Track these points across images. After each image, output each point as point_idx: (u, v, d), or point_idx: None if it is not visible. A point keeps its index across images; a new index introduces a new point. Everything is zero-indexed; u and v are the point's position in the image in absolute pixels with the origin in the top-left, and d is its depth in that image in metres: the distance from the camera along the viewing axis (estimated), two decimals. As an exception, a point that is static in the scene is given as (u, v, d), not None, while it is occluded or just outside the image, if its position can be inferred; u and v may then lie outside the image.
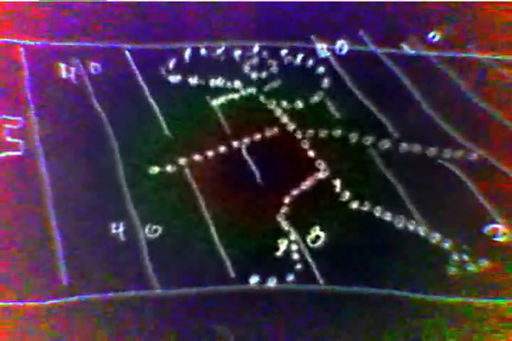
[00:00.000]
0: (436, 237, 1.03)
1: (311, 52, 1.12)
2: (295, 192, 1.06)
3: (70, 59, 1.11)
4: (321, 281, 1.03)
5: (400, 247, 1.04)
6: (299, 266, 1.03)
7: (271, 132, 1.10)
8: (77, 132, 1.09)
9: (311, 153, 1.08)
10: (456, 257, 1.02)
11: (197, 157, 1.08)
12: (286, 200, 1.06)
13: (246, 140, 1.09)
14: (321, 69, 1.12)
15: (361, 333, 1.01)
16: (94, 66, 1.11)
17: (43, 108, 1.09)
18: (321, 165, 1.08)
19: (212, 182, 1.07)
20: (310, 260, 1.03)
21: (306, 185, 1.07)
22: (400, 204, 1.05)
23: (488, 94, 1.09)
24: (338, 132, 1.09)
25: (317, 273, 1.03)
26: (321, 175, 1.08)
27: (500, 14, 1.13)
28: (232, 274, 1.03)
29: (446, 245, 1.03)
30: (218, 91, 1.11)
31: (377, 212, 1.05)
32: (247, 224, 1.05)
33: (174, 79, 1.12)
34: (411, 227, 1.04)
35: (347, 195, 1.06)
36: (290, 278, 1.03)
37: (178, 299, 1.02)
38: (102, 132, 1.09)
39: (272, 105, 1.11)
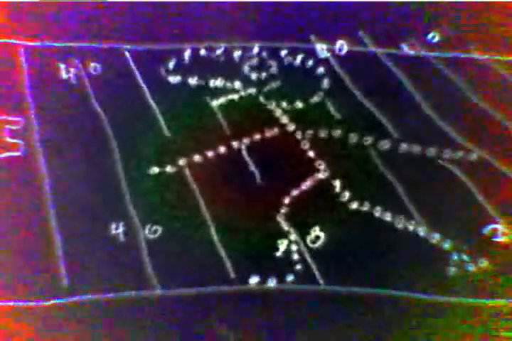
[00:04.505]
0: (436, 237, 1.04)
1: (311, 53, 1.12)
2: (295, 193, 1.06)
3: (69, 59, 1.11)
4: (321, 281, 1.03)
5: (400, 247, 1.04)
6: (298, 267, 1.03)
7: (271, 132, 1.10)
8: (77, 132, 1.09)
9: (311, 154, 1.08)
10: (455, 257, 1.02)
11: (197, 157, 1.08)
12: (286, 201, 1.06)
13: (246, 140, 1.09)
14: (321, 70, 1.12)
15: (361, 333, 1.01)
16: (94, 66, 1.11)
17: (43, 108, 1.09)
18: (321, 165, 1.08)
19: (212, 183, 1.07)
20: (310, 260, 1.04)
21: (306, 185, 1.07)
22: (400, 205, 1.05)
23: (488, 94, 1.09)
24: (338, 132, 1.09)
25: (317, 274, 1.03)
26: (320, 176, 1.08)
27: (500, 14, 1.13)
28: (232, 274, 1.03)
29: (446, 245, 1.03)
30: (218, 92, 1.11)
31: (377, 212, 1.05)
32: (247, 225, 1.05)
33: (174, 79, 1.12)
34: (411, 227, 1.04)
35: (347, 195, 1.06)
36: (290, 278, 1.03)
37: (178, 299, 1.02)
38: (102, 132, 1.09)
39: (272, 105, 1.11)
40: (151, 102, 1.10)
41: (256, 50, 1.12)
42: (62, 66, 1.11)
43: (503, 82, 1.10)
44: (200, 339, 1.02)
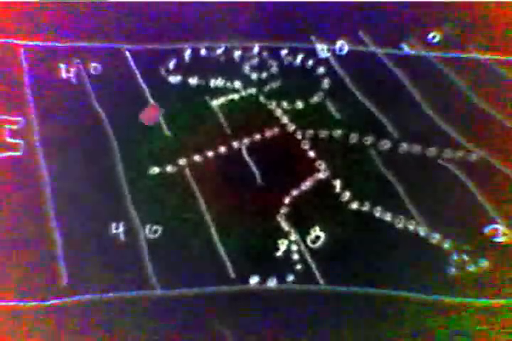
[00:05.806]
0: (436, 237, 1.04)
1: (311, 53, 1.12)
2: (295, 193, 1.06)
3: (70, 59, 1.11)
4: (321, 281, 1.03)
5: (400, 247, 1.04)
6: (299, 267, 1.03)
7: (271, 132, 1.10)
8: (77, 132, 1.09)
9: (311, 154, 1.08)
10: (456, 257, 1.02)
11: (197, 157, 1.08)
12: (286, 200, 1.06)
13: (246, 140, 1.09)
14: (321, 70, 1.12)
15: (361, 333, 1.01)
16: (94, 66, 1.11)
17: (43, 108, 1.09)
18: (321, 165, 1.08)
19: (213, 183, 1.07)
20: (310, 260, 1.04)
21: (306, 185, 1.07)
22: (400, 205, 1.05)
23: (488, 94, 1.09)
24: (338, 132, 1.09)
25: (317, 274, 1.03)
26: (321, 176, 1.08)
27: (500, 14, 1.13)
28: (233, 274, 1.03)
29: (446, 245, 1.03)
30: (218, 92, 1.11)
31: (377, 212, 1.05)
32: (247, 225, 1.05)
33: (174, 79, 1.12)
34: (411, 227, 1.04)
35: (347, 195, 1.06)
36: (290, 278, 1.03)
37: (178, 299, 1.02)
38: (102, 132, 1.09)
39: (272, 105, 1.11)
40: (152, 102, 1.10)
41: (256, 50, 1.12)
42: (63, 66, 1.11)
43: (503, 82, 1.10)
44: (200, 339, 1.02)
